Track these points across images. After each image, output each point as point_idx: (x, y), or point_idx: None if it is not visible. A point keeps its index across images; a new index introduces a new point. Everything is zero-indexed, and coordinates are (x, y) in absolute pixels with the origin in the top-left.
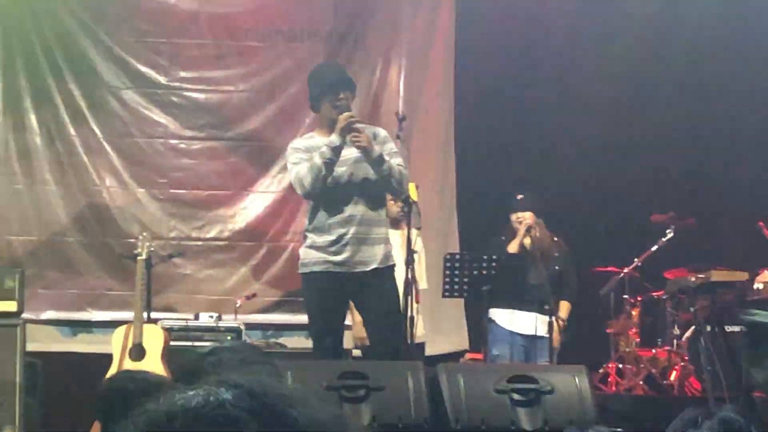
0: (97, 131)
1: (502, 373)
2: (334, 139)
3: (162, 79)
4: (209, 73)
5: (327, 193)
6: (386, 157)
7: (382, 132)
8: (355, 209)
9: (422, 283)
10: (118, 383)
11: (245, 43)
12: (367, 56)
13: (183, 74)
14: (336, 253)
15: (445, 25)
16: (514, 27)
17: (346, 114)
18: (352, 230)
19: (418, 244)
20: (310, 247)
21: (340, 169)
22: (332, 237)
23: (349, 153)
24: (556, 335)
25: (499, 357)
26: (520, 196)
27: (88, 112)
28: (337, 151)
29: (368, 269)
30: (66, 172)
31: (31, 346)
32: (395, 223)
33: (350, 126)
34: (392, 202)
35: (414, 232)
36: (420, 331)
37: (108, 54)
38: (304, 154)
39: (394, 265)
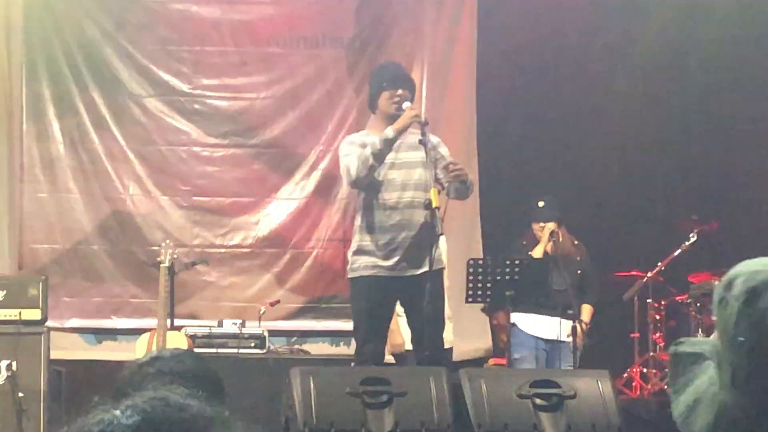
0: (120, 139)
1: (525, 378)
2: (389, 131)
3: (184, 87)
4: (231, 81)
5: (379, 196)
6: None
7: (434, 139)
8: (406, 213)
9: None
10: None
11: (267, 50)
12: None
13: (205, 81)
14: (386, 257)
15: (466, 33)
16: (534, 35)
17: (411, 112)
18: (403, 234)
19: (443, 250)
20: (359, 251)
21: (394, 172)
22: (383, 240)
23: (406, 156)
24: (579, 339)
25: (521, 361)
26: (541, 204)
27: (111, 120)
28: (389, 143)
29: (417, 272)
30: (89, 180)
31: (55, 354)
32: None
33: (416, 123)
34: None
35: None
36: (449, 336)
37: (130, 62)
38: (358, 147)
39: (443, 268)
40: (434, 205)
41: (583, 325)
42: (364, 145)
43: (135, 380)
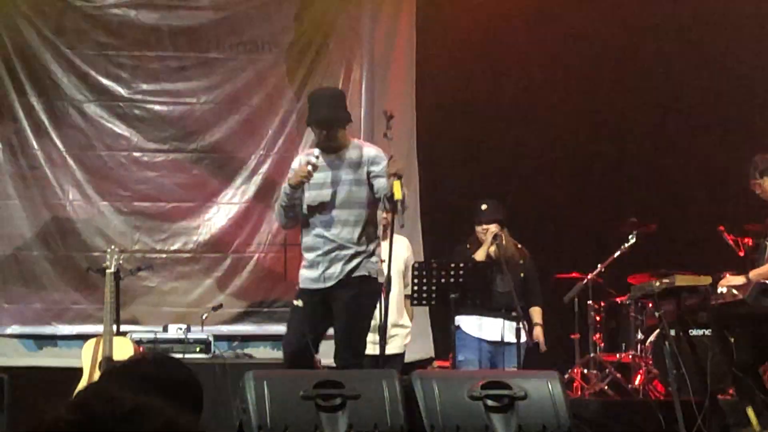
0: (60, 145)
1: (476, 380)
2: (285, 186)
3: (124, 92)
4: (171, 86)
5: (313, 215)
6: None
7: (371, 152)
8: (337, 230)
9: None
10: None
11: (207, 55)
12: (329, 66)
13: (145, 87)
14: (316, 271)
15: (405, 33)
16: (475, 34)
17: (303, 169)
18: (327, 249)
19: (402, 252)
20: (302, 266)
21: (326, 191)
22: (316, 255)
23: (337, 175)
24: (541, 339)
25: (465, 363)
26: (484, 207)
27: (51, 125)
28: (291, 196)
29: (334, 282)
30: (29, 186)
31: None
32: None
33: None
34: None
35: (402, 239)
36: (399, 341)
37: (69, 67)
38: (290, 173)
39: (365, 276)
40: (396, 197)
41: (538, 329)
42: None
43: (116, 382)
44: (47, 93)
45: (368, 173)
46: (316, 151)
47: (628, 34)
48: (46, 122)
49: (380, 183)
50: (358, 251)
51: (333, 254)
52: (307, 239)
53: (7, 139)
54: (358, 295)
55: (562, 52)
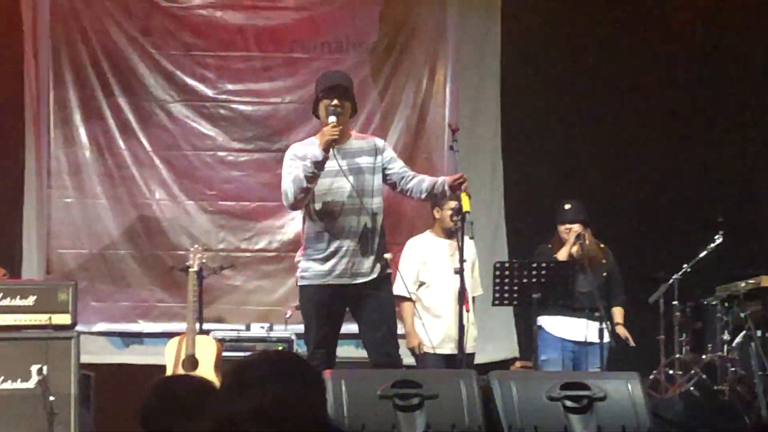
0: (146, 144)
1: (555, 380)
2: (317, 153)
3: (209, 92)
4: (255, 86)
5: (325, 204)
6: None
7: (380, 143)
8: (353, 220)
9: (477, 290)
10: (164, 389)
11: (291, 55)
12: (413, 67)
13: (230, 87)
14: (333, 265)
15: (491, 33)
16: (560, 34)
17: (328, 127)
18: (348, 241)
19: (471, 253)
20: (307, 259)
21: (341, 179)
22: (331, 248)
23: (352, 162)
24: (628, 335)
25: (548, 363)
26: (567, 207)
27: (137, 125)
28: (319, 165)
29: (363, 281)
30: (116, 185)
31: (84, 358)
32: (449, 234)
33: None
34: (448, 212)
35: (468, 241)
36: (470, 341)
37: (156, 67)
38: (298, 161)
39: (390, 275)
40: (465, 209)
41: (620, 328)
42: (304, 158)
43: (247, 375)
44: (134, 93)
45: (384, 161)
46: (332, 118)
47: (709, 32)
48: (133, 122)
49: (400, 174)
50: (380, 243)
51: (355, 247)
52: (321, 230)
53: (95, 139)
54: (388, 291)
55: (647, 52)
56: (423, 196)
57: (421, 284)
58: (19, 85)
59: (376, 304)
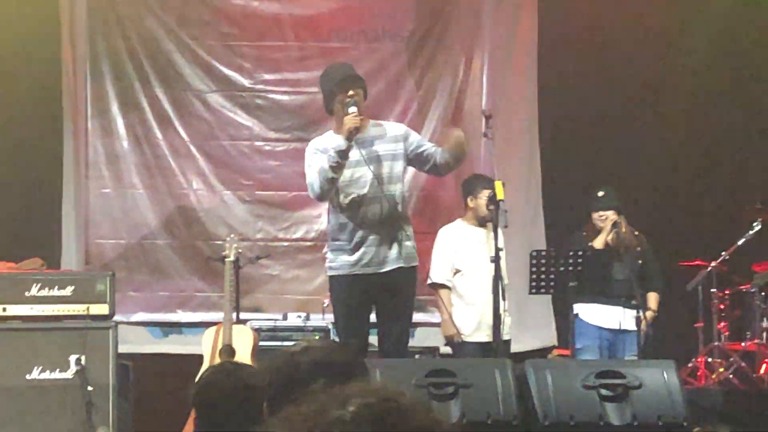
0: (184, 135)
1: (590, 369)
2: (341, 142)
3: (246, 82)
4: (292, 75)
5: (347, 194)
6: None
7: (401, 128)
8: (377, 208)
9: (505, 279)
10: (215, 379)
11: (328, 44)
12: (450, 55)
13: (267, 76)
14: (360, 256)
15: (527, 20)
16: (596, 21)
17: (350, 116)
18: (372, 231)
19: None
20: (334, 249)
21: (362, 168)
22: (357, 238)
23: (373, 150)
24: (644, 324)
25: (584, 351)
26: (601, 193)
27: (174, 115)
28: (343, 154)
29: (392, 268)
30: (154, 175)
31: (122, 348)
32: (482, 222)
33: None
34: (483, 201)
35: (500, 230)
36: (505, 328)
37: (192, 57)
38: (321, 154)
39: (416, 266)
40: (499, 197)
41: (649, 313)
42: (325, 151)
43: (286, 370)
44: (171, 84)
45: (412, 146)
46: (353, 108)
47: (749, 20)
48: (170, 113)
49: (432, 148)
50: (407, 230)
51: (380, 236)
52: (345, 221)
53: (132, 130)
54: (413, 283)
55: (686, 36)
56: (446, 155)
57: (456, 272)
58: (57, 77)
59: (397, 297)
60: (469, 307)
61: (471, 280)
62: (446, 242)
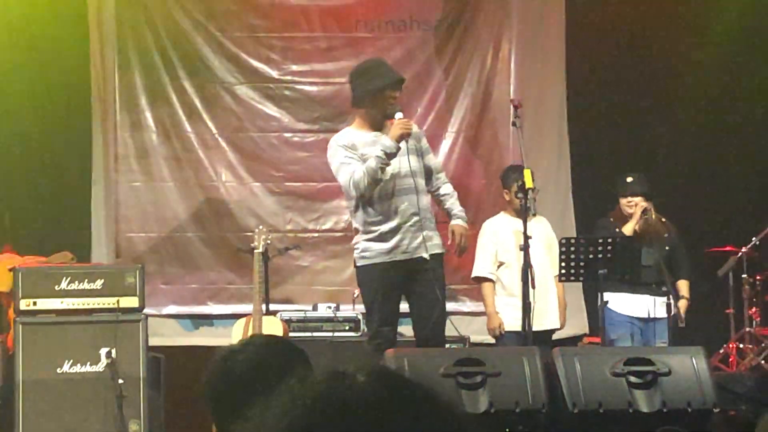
0: (212, 127)
1: (619, 356)
2: (392, 145)
3: (274, 73)
4: (320, 66)
5: (382, 186)
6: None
7: (416, 127)
8: (408, 199)
9: (554, 269)
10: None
11: (355, 34)
12: (478, 44)
13: (294, 68)
14: (390, 246)
15: (555, 7)
16: (624, 8)
17: (403, 121)
18: (403, 221)
19: (544, 233)
20: (364, 240)
21: (394, 161)
22: (384, 229)
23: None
24: (682, 313)
25: (617, 341)
26: (629, 179)
27: (203, 108)
28: (393, 156)
29: (423, 255)
30: (183, 168)
31: (153, 341)
32: (517, 212)
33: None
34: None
35: (542, 219)
36: (554, 316)
37: (220, 50)
38: (351, 151)
39: (443, 254)
40: (528, 185)
41: (683, 302)
42: (354, 148)
43: (226, 367)
44: (199, 76)
45: (423, 148)
46: (399, 114)
47: None
48: (199, 105)
49: (434, 159)
50: (431, 221)
51: (410, 225)
52: (377, 212)
53: (161, 122)
54: (441, 271)
55: (716, 22)
56: (438, 203)
57: (500, 264)
58: (85, 70)
59: (432, 284)
60: (512, 298)
61: (515, 272)
62: (490, 235)
